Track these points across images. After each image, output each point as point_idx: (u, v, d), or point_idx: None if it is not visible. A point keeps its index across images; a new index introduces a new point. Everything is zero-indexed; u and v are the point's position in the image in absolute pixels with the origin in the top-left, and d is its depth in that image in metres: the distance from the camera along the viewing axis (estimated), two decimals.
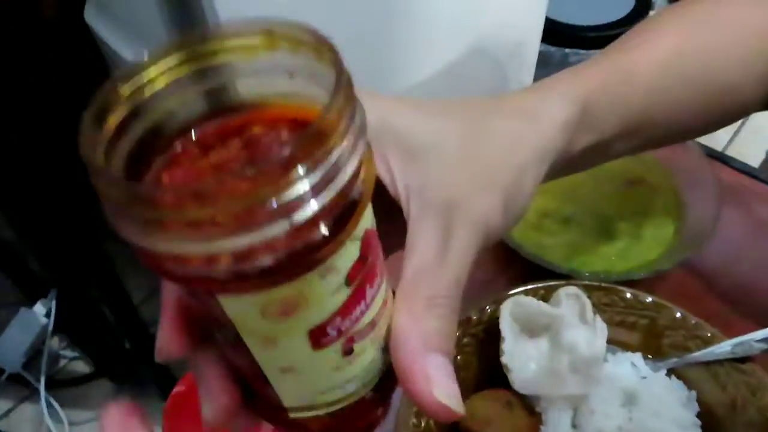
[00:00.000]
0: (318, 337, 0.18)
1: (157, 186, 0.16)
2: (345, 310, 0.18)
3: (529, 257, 0.53)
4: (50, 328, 0.87)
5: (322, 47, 0.16)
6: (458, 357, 0.48)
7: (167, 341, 0.20)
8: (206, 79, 0.18)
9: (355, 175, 0.16)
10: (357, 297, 0.18)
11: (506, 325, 0.46)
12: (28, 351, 0.86)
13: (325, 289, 0.17)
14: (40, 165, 0.65)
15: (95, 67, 0.61)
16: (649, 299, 0.49)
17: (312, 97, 0.17)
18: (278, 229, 0.15)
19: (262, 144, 0.17)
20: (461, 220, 0.24)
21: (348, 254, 0.17)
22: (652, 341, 0.48)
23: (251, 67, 0.18)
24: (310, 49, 0.17)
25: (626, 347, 0.48)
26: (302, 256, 0.16)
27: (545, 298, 0.48)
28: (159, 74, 0.17)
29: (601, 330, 0.46)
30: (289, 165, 0.14)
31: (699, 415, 0.44)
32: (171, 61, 0.17)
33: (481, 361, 0.48)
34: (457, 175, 0.25)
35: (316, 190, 0.15)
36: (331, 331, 0.18)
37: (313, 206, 0.15)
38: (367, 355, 0.20)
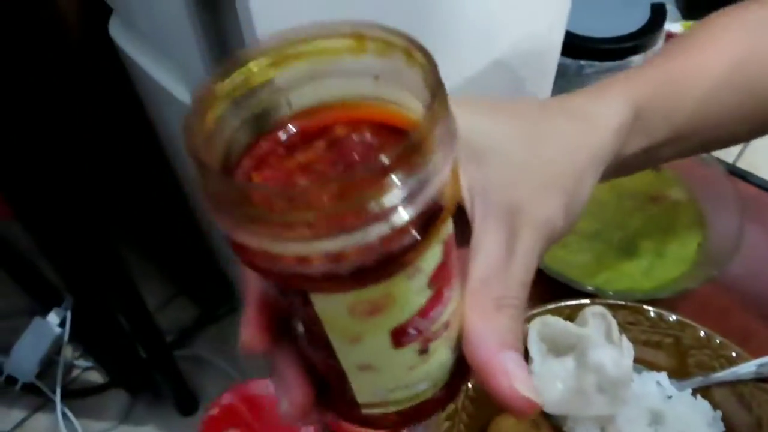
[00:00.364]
0: (399, 336, 0.18)
1: (262, 187, 0.17)
2: (425, 310, 0.18)
3: (554, 275, 0.53)
4: (65, 337, 0.87)
5: (415, 51, 0.17)
6: None
7: (251, 337, 0.21)
8: (292, 80, 0.18)
9: (446, 181, 0.17)
10: (437, 298, 0.19)
11: (534, 347, 0.46)
12: (42, 361, 0.86)
13: (410, 290, 0.17)
14: (59, 175, 0.66)
15: (118, 80, 0.61)
16: (674, 318, 0.49)
17: (395, 100, 0.18)
18: (375, 232, 0.15)
19: (347, 146, 0.17)
20: (526, 222, 0.25)
21: (433, 257, 0.18)
22: (677, 360, 0.48)
23: (337, 68, 0.18)
24: (401, 53, 0.17)
25: (651, 366, 0.48)
26: (394, 259, 0.16)
27: (571, 318, 0.48)
28: (251, 74, 0.18)
29: (627, 350, 0.46)
30: (388, 172, 0.15)
31: None
32: (262, 61, 0.17)
33: None
34: (521, 178, 0.26)
35: (411, 197, 0.15)
36: (412, 331, 0.18)
37: (408, 212, 0.15)
38: (440, 354, 0.20)
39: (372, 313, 0.17)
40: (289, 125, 0.18)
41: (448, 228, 0.18)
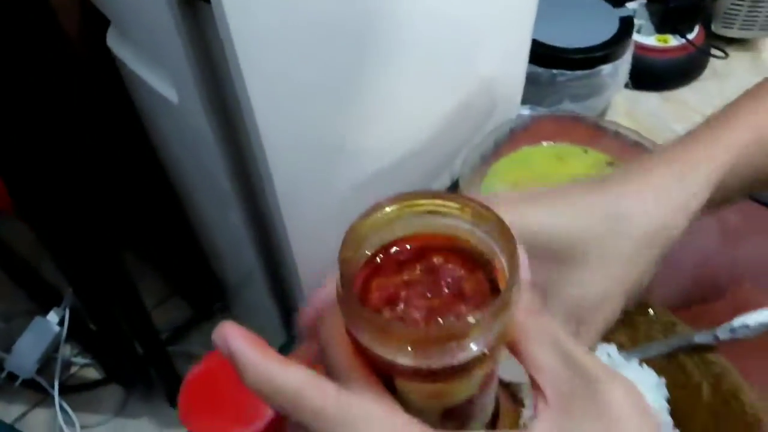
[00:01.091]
0: (447, 414, 0.24)
1: (388, 324, 0.22)
2: (467, 402, 0.24)
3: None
4: (63, 335, 0.91)
5: (502, 229, 0.23)
6: None
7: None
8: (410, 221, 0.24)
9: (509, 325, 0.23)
10: (481, 394, 0.25)
11: None
12: (41, 358, 0.90)
13: (464, 388, 0.23)
14: (61, 174, 0.70)
15: (115, 86, 0.66)
16: None
17: (479, 244, 0.24)
18: (451, 360, 0.21)
19: (442, 273, 0.24)
20: (589, 324, 0.28)
21: (486, 369, 0.23)
22: (626, 334, 0.52)
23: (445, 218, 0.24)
24: (491, 226, 0.23)
25: (602, 340, 0.52)
26: (462, 370, 0.22)
27: None
28: (384, 215, 0.24)
29: None
30: (476, 326, 0.21)
31: (668, 401, 0.49)
32: (394, 206, 0.24)
33: None
34: (593, 281, 0.29)
35: (488, 339, 0.21)
36: (458, 410, 0.24)
37: (481, 347, 0.21)
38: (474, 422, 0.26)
39: (433, 397, 0.24)
40: (402, 247, 0.24)
41: (503, 353, 0.24)
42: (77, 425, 0.91)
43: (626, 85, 1.06)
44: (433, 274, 0.23)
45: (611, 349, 0.51)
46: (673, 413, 0.48)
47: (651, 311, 0.51)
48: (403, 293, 0.23)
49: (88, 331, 0.95)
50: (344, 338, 0.23)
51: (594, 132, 0.69)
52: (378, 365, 0.23)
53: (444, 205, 0.23)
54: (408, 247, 0.24)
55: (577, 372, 0.22)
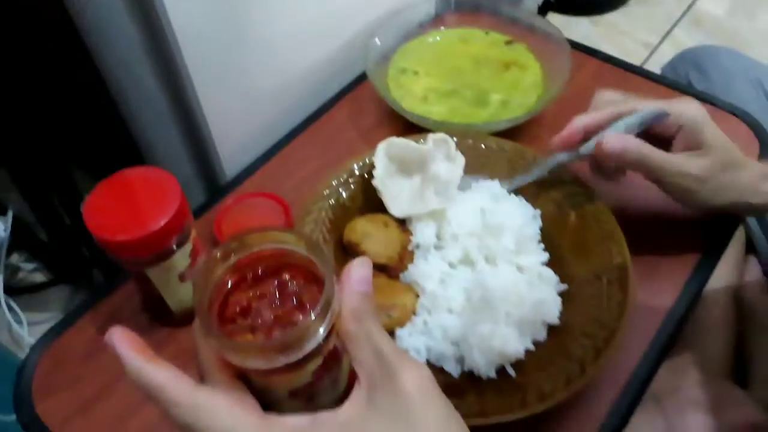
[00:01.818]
0: (292, 393, 0.31)
1: (236, 342, 0.29)
2: (307, 386, 0.31)
3: (414, 119, 0.63)
4: (8, 242, 0.94)
5: (323, 255, 0.30)
6: (344, 194, 0.57)
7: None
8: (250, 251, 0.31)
9: (335, 316, 0.29)
10: (315, 381, 0.31)
11: (379, 157, 0.56)
12: None
13: (301, 378, 0.30)
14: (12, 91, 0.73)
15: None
16: (508, 144, 0.59)
17: (304, 257, 0.31)
18: (289, 360, 0.28)
19: (285, 286, 0.31)
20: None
21: (316, 362, 0.30)
22: (507, 173, 0.58)
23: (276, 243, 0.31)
24: (319, 252, 0.30)
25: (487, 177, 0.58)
26: (295, 367, 0.29)
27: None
28: (225, 252, 0.31)
29: (459, 161, 0.56)
30: (316, 321, 0.28)
31: (541, 228, 0.55)
32: (233, 246, 0.31)
33: (365, 196, 0.58)
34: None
35: (312, 343, 0.28)
36: (300, 391, 0.31)
37: (306, 351, 0.28)
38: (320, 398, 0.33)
39: (277, 385, 0.31)
40: (250, 268, 0.31)
41: (330, 344, 0.31)
42: (25, 323, 0.95)
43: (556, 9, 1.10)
44: (278, 288, 0.31)
45: (494, 184, 0.57)
46: (545, 237, 0.54)
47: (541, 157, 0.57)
48: (254, 304, 0.30)
49: (34, 238, 0.99)
50: (209, 352, 0.30)
51: (493, 17, 0.74)
52: (233, 367, 0.30)
53: (278, 236, 0.31)
54: (259, 269, 0.31)
55: (382, 362, 0.29)
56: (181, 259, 0.48)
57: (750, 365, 0.80)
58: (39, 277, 1.02)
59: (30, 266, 1.02)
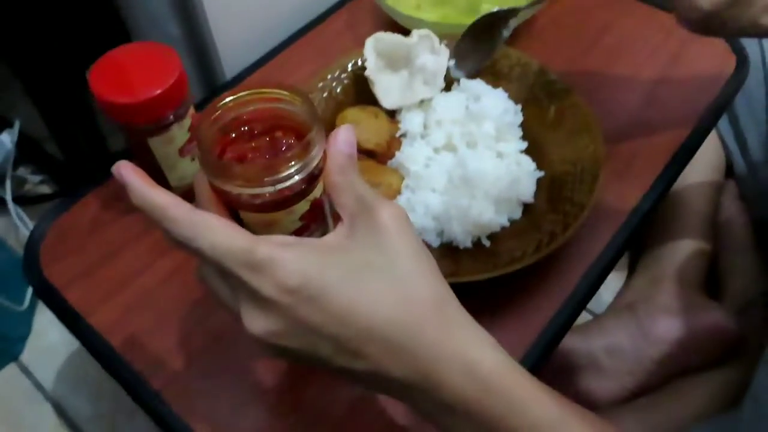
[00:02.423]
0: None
1: (233, 165, 0.33)
2: (296, 233, 0.35)
3: (407, 23, 0.65)
4: (14, 153, 0.97)
5: (313, 109, 0.33)
6: (337, 89, 0.60)
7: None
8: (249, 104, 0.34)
9: (319, 165, 0.33)
10: (303, 228, 0.35)
11: (369, 51, 0.58)
12: None
13: (290, 220, 0.34)
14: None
15: None
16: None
17: (300, 115, 0.33)
18: (278, 188, 0.31)
19: (277, 140, 0.34)
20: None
21: (303, 206, 0.34)
22: (494, 75, 0.61)
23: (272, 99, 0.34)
24: (303, 99, 0.33)
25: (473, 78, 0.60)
26: (285, 203, 0.32)
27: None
28: (231, 101, 0.34)
29: (444, 53, 0.58)
30: (291, 159, 0.31)
31: (522, 123, 0.58)
32: (235, 96, 0.34)
33: (356, 91, 0.60)
34: None
35: (300, 176, 0.32)
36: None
37: (293, 180, 0.32)
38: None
39: (266, 226, 0.34)
40: (249, 123, 0.34)
41: (317, 192, 0.34)
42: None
43: None
44: (271, 143, 0.34)
45: (478, 82, 0.59)
46: (524, 130, 0.57)
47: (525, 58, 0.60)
48: (249, 154, 0.33)
49: (41, 150, 1.02)
50: (208, 194, 0.33)
51: None
52: (228, 202, 0.33)
53: (279, 93, 0.33)
54: (258, 127, 0.34)
55: (362, 203, 0.33)
56: (179, 132, 0.51)
57: (722, 281, 0.84)
58: (45, 189, 1.06)
59: (36, 179, 1.06)
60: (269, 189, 0.31)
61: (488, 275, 0.46)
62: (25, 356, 0.96)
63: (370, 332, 0.30)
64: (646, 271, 0.83)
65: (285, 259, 0.30)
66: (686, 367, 0.75)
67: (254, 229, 0.33)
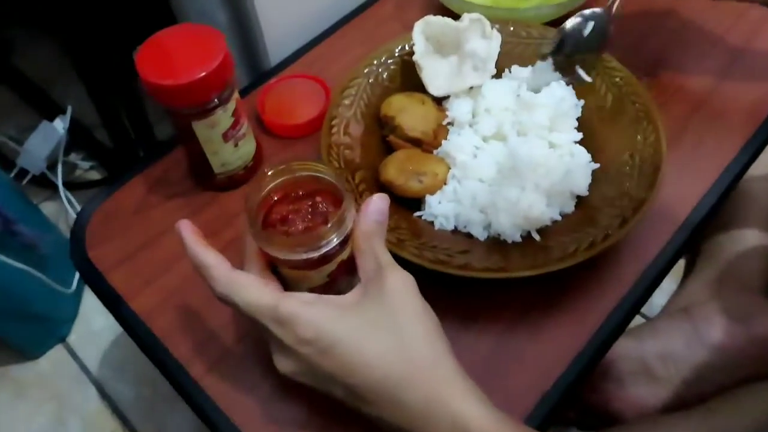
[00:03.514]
0: (312, 290, 0.40)
1: (274, 236, 0.39)
2: (323, 287, 0.40)
3: (458, 6, 0.63)
4: (66, 139, 0.99)
5: (341, 179, 0.39)
6: (385, 75, 0.58)
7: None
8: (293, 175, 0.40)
9: (347, 235, 0.38)
10: (330, 282, 0.40)
11: (417, 35, 0.56)
12: (49, 156, 0.99)
13: (318, 277, 0.39)
14: None
15: None
16: (551, 32, 0.59)
17: (333, 184, 0.39)
18: (312, 254, 0.37)
19: (317, 207, 0.39)
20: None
21: (331, 267, 0.39)
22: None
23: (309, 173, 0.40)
24: (337, 176, 0.39)
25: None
26: (314, 265, 0.38)
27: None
28: (274, 172, 0.39)
29: (496, 38, 0.56)
30: (329, 232, 0.37)
31: (580, 116, 0.55)
32: (281, 169, 0.40)
33: (403, 78, 0.59)
34: None
35: (329, 246, 0.37)
36: (316, 290, 0.40)
37: (325, 250, 0.37)
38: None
39: (300, 280, 0.40)
40: (292, 190, 0.40)
41: (347, 253, 0.39)
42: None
43: None
44: (311, 207, 0.39)
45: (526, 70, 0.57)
46: (580, 119, 0.54)
47: None
48: (290, 216, 0.39)
49: (91, 137, 1.04)
50: (254, 250, 0.39)
51: None
52: (269, 259, 0.39)
53: (316, 167, 0.39)
54: (300, 192, 0.40)
55: (377, 267, 0.37)
56: (224, 117, 0.50)
57: None
58: (95, 175, 1.08)
59: (86, 165, 1.08)
60: (303, 257, 0.37)
61: (539, 271, 0.44)
62: (72, 338, 0.98)
63: (372, 384, 0.35)
64: (703, 273, 0.78)
65: (303, 315, 0.35)
66: (746, 377, 0.71)
67: (289, 281, 0.40)
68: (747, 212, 0.79)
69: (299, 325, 0.35)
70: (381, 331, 0.35)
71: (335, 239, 0.37)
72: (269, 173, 0.39)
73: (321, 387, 0.37)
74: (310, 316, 0.35)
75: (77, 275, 0.99)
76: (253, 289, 0.37)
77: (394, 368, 0.35)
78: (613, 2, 0.57)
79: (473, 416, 0.34)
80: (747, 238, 0.77)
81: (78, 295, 1.00)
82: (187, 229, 0.39)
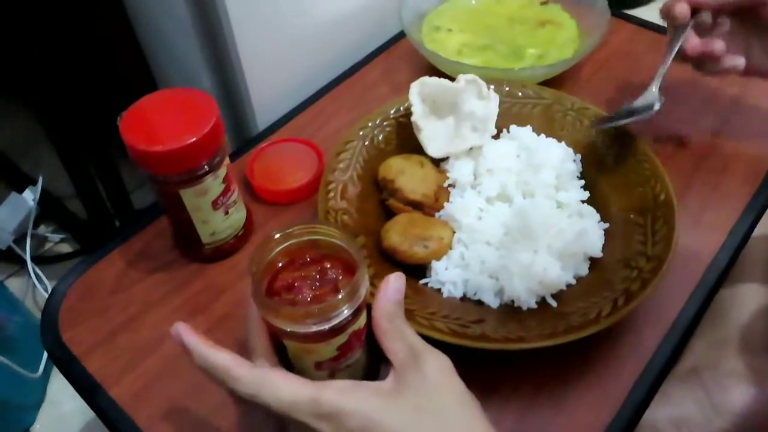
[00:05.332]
0: (317, 365, 0.37)
1: (281, 306, 0.35)
2: (331, 360, 0.37)
3: (449, 68, 0.62)
4: (36, 211, 0.95)
5: (354, 243, 0.36)
6: (381, 137, 0.57)
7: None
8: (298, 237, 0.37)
9: (364, 300, 0.35)
10: (338, 356, 0.37)
11: (414, 95, 0.55)
12: (17, 229, 0.94)
13: (326, 351, 0.36)
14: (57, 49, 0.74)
15: None
16: (547, 91, 0.58)
17: (345, 249, 0.36)
18: (321, 326, 0.34)
19: (326, 273, 0.36)
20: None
21: (340, 340, 0.36)
22: (545, 120, 0.57)
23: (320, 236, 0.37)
24: (349, 241, 0.36)
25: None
26: (323, 338, 0.35)
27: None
28: (282, 235, 0.36)
29: (494, 99, 0.55)
30: (341, 302, 0.34)
31: (581, 172, 0.53)
32: (288, 233, 0.37)
33: (399, 140, 0.57)
34: None
35: (339, 319, 0.34)
36: (324, 364, 0.37)
37: (345, 314, 0.34)
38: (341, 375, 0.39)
39: (307, 353, 0.36)
40: (298, 254, 0.37)
41: (361, 322, 0.37)
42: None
43: None
44: (320, 274, 0.36)
45: (527, 130, 0.56)
46: (584, 178, 0.53)
47: (580, 104, 0.57)
48: (296, 282, 0.36)
49: (63, 208, 0.99)
50: (257, 321, 0.37)
51: None
52: (274, 331, 0.36)
53: (328, 231, 0.37)
54: (307, 257, 0.37)
55: (411, 352, 0.36)
56: (214, 183, 0.47)
57: None
58: (66, 248, 1.02)
59: (57, 237, 1.03)
60: (312, 329, 0.34)
61: (562, 340, 0.41)
62: (37, 427, 0.90)
63: None
64: (707, 332, 0.76)
65: (348, 406, 0.33)
66: None
67: (293, 354, 0.37)
68: (747, 270, 0.78)
69: (346, 417, 0.33)
70: (428, 415, 0.34)
71: (347, 310, 0.34)
72: (276, 236, 0.36)
73: None
74: (356, 405, 0.33)
75: (45, 357, 0.92)
76: (284, 385, 0.34)
77: None
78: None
79: None
80: (751, 297, 0.76)
81: (45, 379, 0.93)
82: (187, 332, 0.36)
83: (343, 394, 0.34)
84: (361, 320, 0.37)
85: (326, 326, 0.34)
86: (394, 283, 0.38)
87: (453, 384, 0.36)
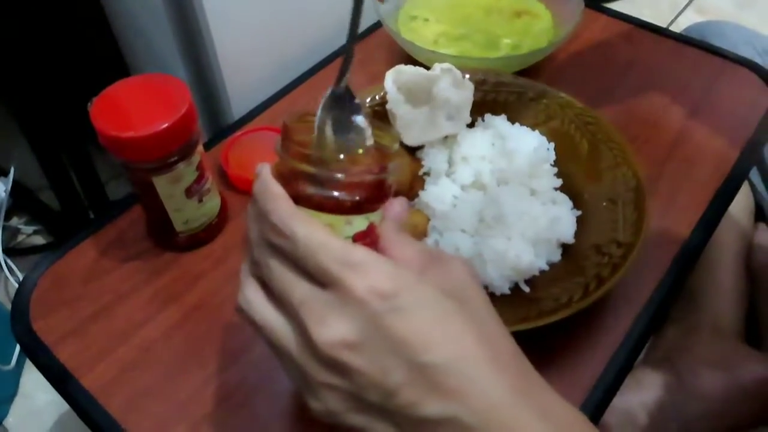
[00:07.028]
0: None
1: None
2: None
3: (425, 57, 0.62)
4: (6, 203, 0.93)
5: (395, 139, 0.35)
6: None
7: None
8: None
9: (388, 188, 0.33)
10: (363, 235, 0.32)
11: (389, 84, 0.55)
12: None
13: (343, 232, 0.32)
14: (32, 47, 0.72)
15: None
16: (521, 79, 0.58)
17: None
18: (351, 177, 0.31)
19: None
20: None
21: (361, 224, 0.32)
22: (520, 110, 0.57)
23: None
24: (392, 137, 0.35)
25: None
26: (346, 208, 0.31)
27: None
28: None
29: (468, 86, 0.55)
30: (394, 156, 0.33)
31: (555, 161, 0.54)
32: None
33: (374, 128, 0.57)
34: None
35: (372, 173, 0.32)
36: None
37: (368, 177, 0.32)
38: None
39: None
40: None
41: (375, 217, 0.33)
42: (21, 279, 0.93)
43: None
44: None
45: (502, 119, 0.56)
46: (557, 166, 0.53)
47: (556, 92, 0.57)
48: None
49: (36, 200, 0.97)
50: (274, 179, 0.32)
51: None
52: (293, 194, 0.31)
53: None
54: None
55: (429, 254, 0.31)
56: (187, 171, 0.47)
57: (762, 328, 0.78)
58: (38, 240, 1.01)
59: (30, 229, 1.01)
60: (340, 176, 0.31)
61: (534, 324, 0.41)
62: (10, 421, 0.89)
63: (453, 362, 0.27)
64: (679, 320, 0.78)
65: (383, 263, 0.28)
66: (731, 425, 0.69)
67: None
68: (716, 261, 0.80)
69: (376, 272, 0.28)
70: (461, 305, 0.29)
71: (379, 170, 0.32)
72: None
73: (372, 368, 0.27)
74: (391, 266, 0.28)
75: (18, 349, 0.91)
76: (320, 228, 0.29)
77: (480, 349, 0.28)
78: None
79: (564, 410, 0.29)
80: (719, 286, 0.78)
81: (18, 371, 0.91)
82: (267, 169, 0.32)
83: (373, 255, 0.29)
84: (379, 215, 0.33)
85: (353, 178, 0.31)
86: (398, 206, 0.34)
87: (481, 287, 0.31)
